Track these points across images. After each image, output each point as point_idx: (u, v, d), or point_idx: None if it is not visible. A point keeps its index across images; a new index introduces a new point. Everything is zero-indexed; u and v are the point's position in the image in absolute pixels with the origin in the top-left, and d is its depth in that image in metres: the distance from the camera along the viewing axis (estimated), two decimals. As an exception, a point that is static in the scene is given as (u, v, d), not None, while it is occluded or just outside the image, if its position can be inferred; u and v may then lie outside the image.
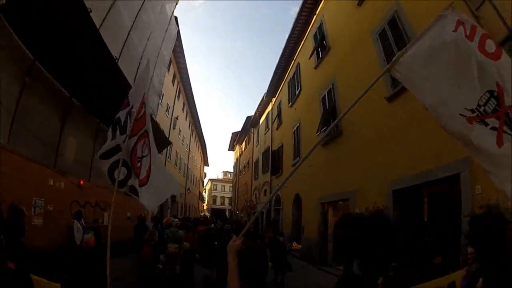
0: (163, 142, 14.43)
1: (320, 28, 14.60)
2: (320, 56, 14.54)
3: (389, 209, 7.95)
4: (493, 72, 2.14)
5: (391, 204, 8.02)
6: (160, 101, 19.68)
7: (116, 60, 8.45)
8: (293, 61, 19.35)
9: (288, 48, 19.10)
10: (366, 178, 9.38)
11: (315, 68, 15.01)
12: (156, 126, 13.35)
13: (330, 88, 12.71)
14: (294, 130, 17.64)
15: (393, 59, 2.45)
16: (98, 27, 7.56)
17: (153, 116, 14.32)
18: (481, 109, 2.12)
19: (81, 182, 8.43)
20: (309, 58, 15.57)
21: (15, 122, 6.50)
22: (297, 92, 17.94)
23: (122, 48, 11.19)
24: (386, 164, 8.46)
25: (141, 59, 13.27)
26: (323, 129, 12.45)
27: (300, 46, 17.95)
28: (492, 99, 2.13)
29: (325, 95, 13.24)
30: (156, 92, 16.28)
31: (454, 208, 6.17)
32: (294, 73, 18.65)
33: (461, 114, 2.17)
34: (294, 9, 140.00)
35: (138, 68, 12.91)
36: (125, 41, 11.46)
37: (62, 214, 7.57)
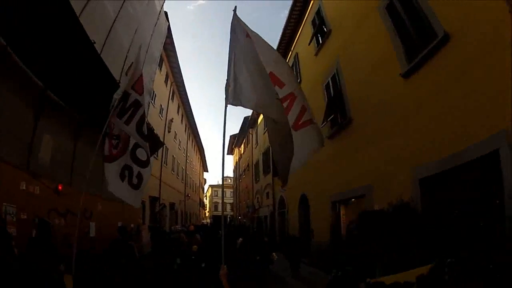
0: (155, 143, 13.23)
1: (318, 13, 13.53)
2: (320, 41, 13.44)
3: (416, 202, 6.76)
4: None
5: (418, 196, 6.78)
6: (153, 101, 18.58)
7: (94, 43, 7.29)
8: (290, 53, 18.31)
9: (284, 40, 18.15)
10: (384, 169, 8.15)
11: (316, 55, 13.86)
12: (147, 126, 12.24)
13: (334, 74, 11.58)
14: (296, 126, 16.38)
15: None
16: (78, 14, 6.58)
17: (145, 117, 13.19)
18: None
19: (60, 187, 7.19)
20: (309, 44, 14.45)
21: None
22: (296, 84, 16.78)
23: (106, 40, 10.11)
24: (406, 150, 7.28)
25: (127, 52, 12.19)
26: (329, 119, 11.32)
27: (297, 36, 17.00)
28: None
29: (328, 82, 12.10)
30: (147, 91, 15.15)
31: (489, 194, 5.16)
32: (292, 65, 17.37)
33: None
34: (284, 12, 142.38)
35: (124, 63, 11.84)
36: (109, 32, 10.37)
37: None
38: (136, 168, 4.90)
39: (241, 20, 3.71)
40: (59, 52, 6.48)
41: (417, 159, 6.86)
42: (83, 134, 8.79)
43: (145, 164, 4.92)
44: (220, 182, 73.80)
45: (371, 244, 6.88)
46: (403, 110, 7.51)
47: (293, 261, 11.65)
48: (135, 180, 4.80)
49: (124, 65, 11.75)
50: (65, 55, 6.60)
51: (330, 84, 11.97)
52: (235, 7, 3.82)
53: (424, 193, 6.73)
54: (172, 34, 20.12)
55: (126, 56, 12.08)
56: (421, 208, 6.64)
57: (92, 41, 7.32)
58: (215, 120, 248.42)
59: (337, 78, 11.40)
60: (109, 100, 8.42)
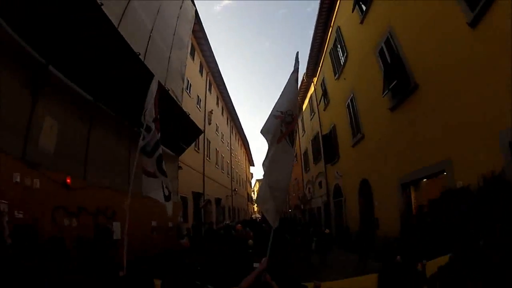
0: (192, 130, 11.84)
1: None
2: (364, 8, 11.88)
3: (510, 170, 5.20)
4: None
5: (511, 163, 5.21)
6: (188, 90, 17.42)
7: (101, 5, 5.97)
8: (330, 29, 16.77)
9: (322, 17, 16.89)
10: (464, 138, 6.51)
11: (361, 22, 12.21)
12: (182, 112, 10.95)
13: (388, 37, 9.84)
14: (348, 104, 14.61)
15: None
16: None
17: (178, 102, 11.98)
18: (284, 115, 3.51)
19: (68, 180, 5.91)
20: (352, 11, 12.85)
21: None
22: (342, 59, 15.11)
23: (123, 14, 8.90)
24: (489, 111, 5.74)
25: (151, 32, 10.96)
26: (390, 87, 9.49)
27: (336, 9, 15.54)
28: (290, 115, 3.56)
29: (382, 47, 10.30)
30: (179, 76, 13.88)
31: None
32: (336, 40, 15.91)
33: (274, 115, 3.50)
34: (311, 6, 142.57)
35: (148, 42, 10.59)
36: (125, 8, 9.14)
37: (39, 225, 5.06)
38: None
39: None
40: (61, 18, 5.33)
41: (505, 118, 5.28)
42: (99, 118, 7.51)
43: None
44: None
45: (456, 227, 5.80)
46: (476, 64, 6.05)
47: (360, 255, 10.19)
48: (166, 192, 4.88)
49: (147, 45, 10.51)
50: (69, 21, 5.43)
51: (385, 49, 10.18)
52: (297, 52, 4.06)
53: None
54: (202, 23, 18.90)
55: (150, 36, 10.87)
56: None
57: (99, 2, 6.07)
58: (258, 113, 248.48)
59: (392, 42, 9.67)
60: (128, 82, 7.18)
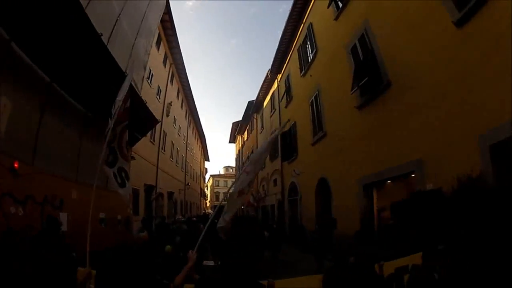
0: (148, 120, 11.28)
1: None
2: (340, 5, 11.80)
3: (488, 175, 5.08)
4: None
5: (489, 167, 5.11)
6: (148, 79, 16.81)
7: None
8: (302, 25, 16.63)
9: (294, 13, 16.69)
10: (439, 139, 6.43)
11: (336, 19, 12.15)
12: (139, 101, 10.50)
13: (362, 34, 9.80)
14: (312, 101, 14.56)
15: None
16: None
17: (137, 90, 11.50)
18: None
19: (16, 165, 5.46)
20: (328, 7, 12.68)
21: None
22: (311, 56, 15.06)
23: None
24: (470, 112, 5.63)
25: (118, 16, 10.45)
26: (361, 84, 9.37)
27: (310, 6, 15.38)
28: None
29: (355, 44, 10.28)
30: (141, 63, 13.36)
31: None
32: (306, 36, 15.83)
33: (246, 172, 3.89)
34: (283, 7, 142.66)
35: (114, 26, 10.07)
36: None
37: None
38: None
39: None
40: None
41: (486, 121, 5.20)
42: (53, 102, 7.00)
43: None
44: (221, 172, 72.92)
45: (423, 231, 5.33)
46: (461, 63, 5.91)
47: (316, 256, 9.83)
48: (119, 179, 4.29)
49: (113, 28, 10.00)
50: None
51: (358, 46, 10.16)
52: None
53: (495, 164, 5.07)
54: (172, 12, 18.37)
55: (117, 20, 10.35)
56: (493, 183, 4.94)
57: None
58: (217, 109, 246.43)
59: (366, 39, 9.62)
60: (88, 64, 6.74)
